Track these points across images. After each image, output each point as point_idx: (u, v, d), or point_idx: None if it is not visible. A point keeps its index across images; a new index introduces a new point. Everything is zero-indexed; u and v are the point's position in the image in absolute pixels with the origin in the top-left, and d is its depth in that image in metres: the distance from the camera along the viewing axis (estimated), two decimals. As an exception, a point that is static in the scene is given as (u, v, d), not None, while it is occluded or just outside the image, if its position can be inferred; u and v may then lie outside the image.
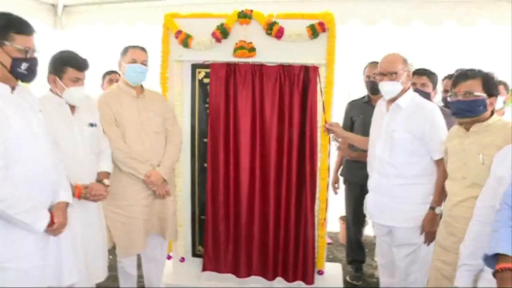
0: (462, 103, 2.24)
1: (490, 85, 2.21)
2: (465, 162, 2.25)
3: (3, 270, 1.91)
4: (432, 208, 2.60)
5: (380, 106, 2.83)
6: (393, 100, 2.67)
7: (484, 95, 2.19)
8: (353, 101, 3.72)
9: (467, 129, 2.27)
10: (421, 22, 4.04)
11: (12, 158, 1.93)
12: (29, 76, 2.01)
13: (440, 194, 2.58)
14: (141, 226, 2.91)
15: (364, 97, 3.63)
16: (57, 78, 2.45)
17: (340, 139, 3.20)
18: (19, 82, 2.05)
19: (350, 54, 4.32)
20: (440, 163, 2.55)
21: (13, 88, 2.01)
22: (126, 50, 2.87)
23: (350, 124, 3.61)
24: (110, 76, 4.01)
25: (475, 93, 2.20)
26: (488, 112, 2.23)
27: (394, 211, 2.68)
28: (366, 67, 3.55)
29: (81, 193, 2.49)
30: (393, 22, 4.09)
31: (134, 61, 2.83)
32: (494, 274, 1.62)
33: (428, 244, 2.63)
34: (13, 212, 1.91)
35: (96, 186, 2.58)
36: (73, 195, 2.38)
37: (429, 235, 2.61)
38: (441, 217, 2.47)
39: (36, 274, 2.05)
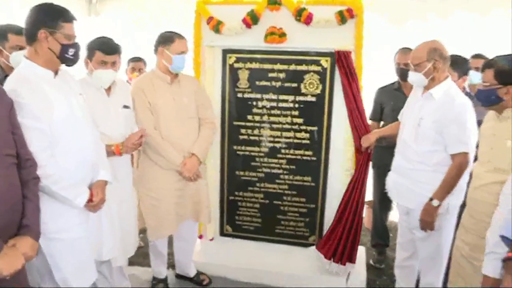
0: (479, 93, 2.31)
1: (504, 73, 2.19)
2: (492, 147, 2.27)
3: (51, 240, 2.07)
4: (430, 199, 2.57)
5: (416, 91, 2.80)
6: (427, 88, 2.64)
7: (495, 84, 2.21)
8: (383, 87, 3.70)
9: (500, 113, 2.28)
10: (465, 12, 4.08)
11: (55, 138, 2.07)
12: (74, 60, 2.16)
13: (445, 188, 2.54)
14: (172, 209, 2.98)
15: (394, 83, 3.62)
16: (89, 61, 2.58)
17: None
18: (61, 66, 2.19)
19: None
20: (455, 158, 2.53)
21: (55, 73, 2.15)
22: (172, 39, 2.86)
23: (379, 111, 3.63)
24: (133, 65, 4.13)
25: (485, 83, 2.25)
26: (507, 101, 2.21)
27: (412, 194, 2.69)
28: (397, 53, 3.54)
29: (120, 148, 2.61)
30: (437, 15, 4.12)
31: (183, 52, 2.88)
32: (504, 262, 1.74)
33: (426, 231, 2.64)
34: (56, 187, 2.06)
35: (131, 136, 2.68)
36: (114, 153, 2.56)
37: (423, 223, 2.62)
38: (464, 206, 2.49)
39: (81, 244, 2.22)
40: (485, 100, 2.28)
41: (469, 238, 2.35)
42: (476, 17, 4.35)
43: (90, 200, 2.21)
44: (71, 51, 2.11)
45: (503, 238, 1.79)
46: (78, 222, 2.21)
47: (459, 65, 3.03)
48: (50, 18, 2.04)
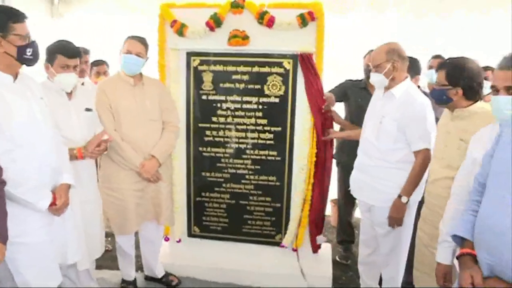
0: (433, 92, 2.42)
1: (454, 75, 2.29)
2: (446, 144, 2.36)
3: (14, 244, 2.03)
4: (399, 196, 2.65)
5: (378, 90, 2.87)
6: (388, 88, 2.72)
7: (446, 85, 2.30)
8: (353, 81, 3.74)
9: (452, 112, 2.37)
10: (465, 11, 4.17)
11: (16, 143, 2.06)
12: (34, 59, 2.13)
13: (412, 184, 2.63)
14: (133, 209, 3.00)
15: (361, 81, 3.67)
16: (50, 65, 2.55)
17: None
18: (21, 70, 2.16)
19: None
20: (419, 155, 2.62)
21: (15, 77, 2.12)
22: (125, 40, 2.92)
23: (341, 96, 3.63)
24: (97, 68, 4.08)
25: (438, 84, 2.36)
26: (461, 101, 2.31)
27: (373, 191, 2.77)
28: (366, 54, 3.61)
29: (82, 152, 2.60)
30: (436, 14, 4.19)
31: (129, 52, 2.87)
32: (458, 259, 1.80)
33: (393, 228, 2.73)
34: (18, 191, 2.05)
35: (93, 140, 2.68)
36: (76, 158, 2.55)
37: (391, 220, 2.70)
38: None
39: (44, 248, 2.21)
40: (438, 99, 2.39)
41: (427, 228, 2.47)
42: (476, 17, 4.41)
43: (53, 204, 2.20)
44: (29, 51, 2.07)
45: (454, 237, 1.86)
46: (41, 225, 2.20)
47: (411, 65, 3.09)
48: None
